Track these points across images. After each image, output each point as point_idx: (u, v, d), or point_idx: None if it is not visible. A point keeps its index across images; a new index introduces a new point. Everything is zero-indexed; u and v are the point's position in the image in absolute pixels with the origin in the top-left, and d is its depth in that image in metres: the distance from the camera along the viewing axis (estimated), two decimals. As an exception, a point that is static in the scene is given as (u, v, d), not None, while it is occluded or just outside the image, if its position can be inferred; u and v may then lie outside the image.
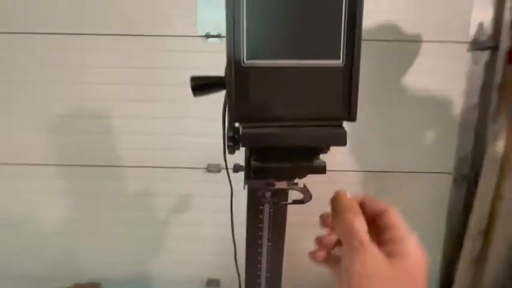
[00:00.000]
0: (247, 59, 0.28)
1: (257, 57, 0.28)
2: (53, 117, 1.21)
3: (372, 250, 0.22)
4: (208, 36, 1.18)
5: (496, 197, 1.13)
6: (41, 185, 1.27)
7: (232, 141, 0.47)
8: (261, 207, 0.67)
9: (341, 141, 0.28)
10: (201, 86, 0.33)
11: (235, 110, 0.28)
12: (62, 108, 1.20)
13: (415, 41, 1.19)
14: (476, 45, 1.21)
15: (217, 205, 1.26)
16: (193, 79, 0.32)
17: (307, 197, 0.36)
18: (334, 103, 0.28)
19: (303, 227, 1.22)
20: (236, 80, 0.28)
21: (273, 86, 0.28)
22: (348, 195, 0.28)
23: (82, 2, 1.14)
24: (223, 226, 1.26)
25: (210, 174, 1.26)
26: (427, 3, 1.16)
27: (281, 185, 0.40)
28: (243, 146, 0.30)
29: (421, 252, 0.23)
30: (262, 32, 0.27)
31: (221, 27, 1.17)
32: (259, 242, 0.69)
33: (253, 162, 0.32)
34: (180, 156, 1.24)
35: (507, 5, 1.16)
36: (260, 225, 0.68)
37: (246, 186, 0.65)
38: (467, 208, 1.24)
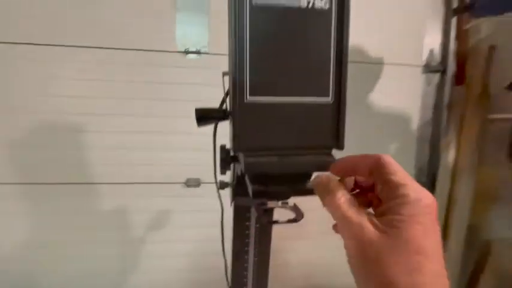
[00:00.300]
0: (250, 95, 0.31)
1: (259, 95, 0.31)
2: (18, 131, 1.12)
3: (359, 222, 0.21)
4: (187, 52, 1.19)
5: (450, 202, 1.28)
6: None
7: (224, 163, 0.50)
8: (247, 223, 0.70)
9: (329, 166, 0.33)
10: (205, 117, 0.36)
11: (238, 142, 0.31)
12: (30, 122, 1.12)
13: (379, 63, 1.32)
14: (428, 68, 1.38)
15: (197, 220, 1.25)
16: (198, 111, 0.35)
17: (299, 215, 0.39)
18: (325, 134, 0.33)
19: (284, 238, 1.27)
20: (240, 114, 0.31)
21: (272, 119, 0.32)
22: (324, 176, 0.27)
23: (59, 12, 1.09)
24: (204, 241, 1.27)
25: (188, 189, 1.25)
26: (389, 30, 1.30)
27: (273, 204, 0.44)
28: (245, 173, 0.33)
29: (425, 192, 0.22)
30: (263, 72, 0.31)
31: (200, 43, 1.19)
32: (246, 257, 0.71)
33: (253, 186, 0.35)
34: (157, 172, 1.22)
35: (452, 34, 1.34)
36: (246, 240, 0.70)
37: (233, 203, 0.67)
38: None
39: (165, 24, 1.16)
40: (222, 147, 0.50)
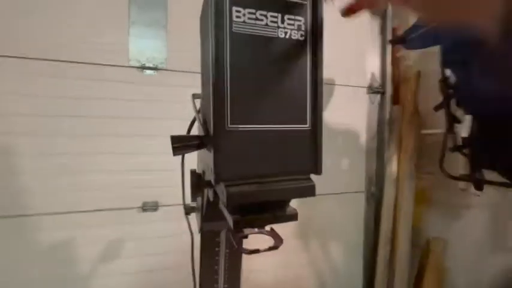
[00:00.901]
0: (231, 124, 0.30)
1: (239, 123, 0.31)
2: None
3: None
4: (143, 67, 1.13)
5: (396, 208, 1.42)
6: None
7: (196, 189, 0.47)
8: (216, 249, 0.66)
9: (311, 192, 0.33)
10: (182, 146, 0.33)
11: (220, 171, 0.30)
12: None
13: (331, 84, 1.44)
14: (371, 89, 1.55)
15: (156, 247, 1.15)
16: (174, 139, 0.33)
17: (278, 242, 0.39)
18: (304, 159, 0.34)
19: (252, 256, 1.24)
20: (221, 142, 0.30)
21: (253, 147, 0.32)
22: None
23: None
24: (163, 270, 1.16)
25: (145, 213, 1.15)
26: (338, 55, 1.43)
27: (250, 231, 0.42)
28: (229, 205, 0.32)
29: None
30: (243, 101, 0.31)
31: (157, 59, 1.14)
32: (216, 286, 0.67)
33: (234, 217, 0.33)
34: (107, 197, 1.10)
35: (388, 60, 1.54)
36: (215, 267, 0.67)
37: (201, 229, 0.64)
38: (377, 220, 1.51)
39: (119, 38, 1.09)
40: (193, 172, 0.47)
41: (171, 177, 1.17)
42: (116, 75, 1.09)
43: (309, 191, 0.33)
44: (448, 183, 1.23)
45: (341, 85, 1.46)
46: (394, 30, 1.53)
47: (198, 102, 0.46)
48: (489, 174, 0.98)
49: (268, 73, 0.32)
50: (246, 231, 0.43)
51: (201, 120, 0.36)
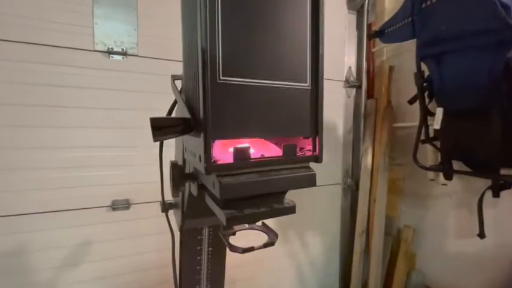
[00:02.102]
0: (223, 75, 0.26)
1: (232, 76, 0.26)
2: None
3: None
4: (110, 52, 1.03)
5: (371, 201, 1.46)
6: None
7: (178, 182, 0.42)
8: (198, 247, 0.62)
9: (312, 182, 0.30)
10: (165, 128, 0.28)
11: (211, 130, 0.25)
12: None
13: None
14: (347, 83, 1.57)
15: (128, 248, 1.07)
16: (155, 121, 0.27)
17: (273, 236, 0.36)
18: (303, 122, 0.30)
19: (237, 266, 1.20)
20: (212, 96, 0.26)
21: (247, 104, 0.27)
22: None
23: None
24: (137, 272, 1.08)
25: (115, 213, 1.05)
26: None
27: (241, 227, 0.39)
28: (222, 197, 0.27)
29: None
30: (237, 50, 0.27)
31: (126, 43, 1.04)
32: (198, 287, 0.62)
33: (226, 212, 0.29)
34: (73, 195, 0.99)
35: (364, 55, 1.57)
36: (198, 267, 0.62)
37: (182, 227, 0.59)
38: (353, 211, 1.55)
39: (83, 18, 0.97)
40: (174, 164, 0.42)
41: (143, 172, 1.09)
42: (79, 59, 0.97)
43: (310, 181, 0.30)
44: (418, 174, 1.30)
45: (320, 78, 1.46)
46: (369, 25, 1.56)
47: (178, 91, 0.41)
48: (455, 164, 1.04)
49: (264, 28, 0.28)
50: (236, 227, 0.39)
51: (185, 101, 0.31)
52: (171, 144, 0.52)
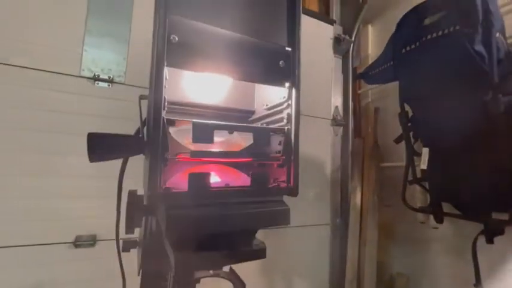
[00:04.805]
0: None
1: None
2: None
3: None
4: (95, 79, 1.01)
5: (361, 244, 1.38)
6: None
7: (134, 215, 0.36)
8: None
9: (285, 219, 0.26)
10: (105, 146, 0.24)
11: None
12: None
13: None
14: (335, 122, 1.59)
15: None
16: (92, 136, 0.23)
17: (239, 286, 0.29)
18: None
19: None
20: None
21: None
22: None
23: None
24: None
25: (78, 250, 0.94)
26: (305, 87, 1.47)
27: (204, 273, 0.32)
28: (168, 233, 0.22)
29: None
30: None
31: (114, 71, 1.04)
32: None
33: (175, 253, 0.23)
34: (32, 229, 0.88)
35: (350, 95, 1.63)
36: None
37: (141, 271, 0.51)
38: (343, 253, 1.45)
39: (71, 43, 0.97)
40: (131, 193, 0.37)
41: (112, 205, 1.00)
42: (63, 84, 0.95)
43: (283, 217, 0.25)
44: (408, 216, 1.25)
45: (307, 115, 1.48)
46: (355, 69, 1.64)
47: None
48: (446, 206, 1.00)
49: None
50: (198, 273, 0.32)
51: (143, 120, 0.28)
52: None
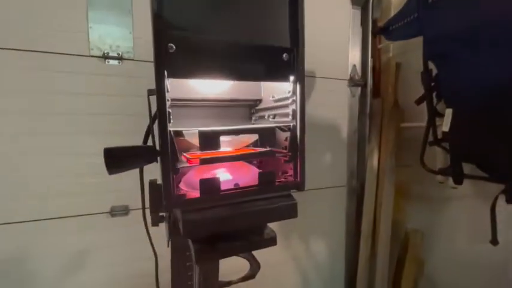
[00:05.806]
0: None
1: None
2: None
3: None
4: (105, 57, 1.01)
5: (377, 204, 1.41)
6: None
7: (157, 202, 0.39)
8: (188, 263, 0.59)
9: (292, 213, 0.27)
10: (122, 160, 0.25)
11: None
12: None
13: (312, 76, 1.38)
14: (352, 82, 1.51)
15: (127, 254, 1.06)
16: (109, 152, 0.24)
17: (254, 268, 0.33)
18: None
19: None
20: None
21: None
22: None
23: None
24: (137, 278, 1.08)
25: (114, 219, 1.05)
26: (320, 47, 1.37)
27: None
28: (185, 236, 0.25)
29: None
30: None
31: (122, 48, 1.02)
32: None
33: (196, 248, 0.26)
34: (70, 202, 0.98)
35: (369, 52, 1.51)
36: (189, 283, 0.60)
37: (170, 244, 0.56)
38: (359, 214, 1.50)
39: (76, 23, 0.96)
40: (152, 184, 0.39)
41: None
42: (74, 65, 0.96)
43: (290, 212, 0.27)
44: (426, 176, 1.23)
45: (322, 77, 1.41)
46: (374, 21, 1.49)
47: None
48: (466, 167, 0.98)
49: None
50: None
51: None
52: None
